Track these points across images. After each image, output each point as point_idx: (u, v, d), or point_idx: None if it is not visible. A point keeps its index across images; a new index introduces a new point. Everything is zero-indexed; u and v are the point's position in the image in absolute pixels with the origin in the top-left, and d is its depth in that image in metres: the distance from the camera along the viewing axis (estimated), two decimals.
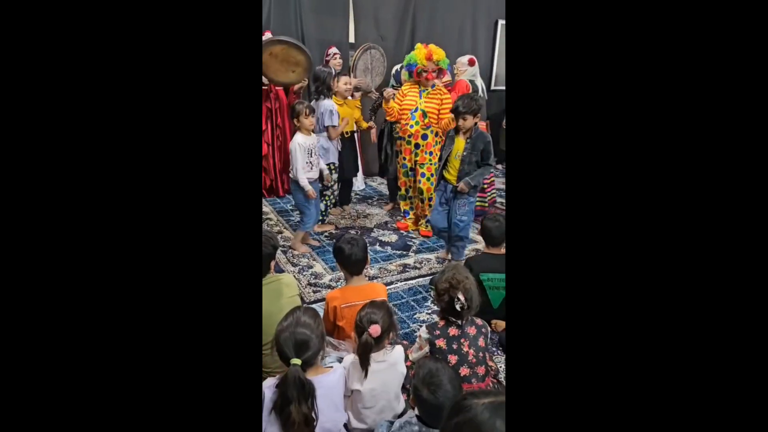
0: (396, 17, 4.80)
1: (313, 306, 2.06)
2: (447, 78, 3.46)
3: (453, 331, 1.70)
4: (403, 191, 3.44)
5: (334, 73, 3.33)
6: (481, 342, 1.75)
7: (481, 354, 1.73)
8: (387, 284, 2.63)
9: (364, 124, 3.67)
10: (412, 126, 3.16)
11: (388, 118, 3.33)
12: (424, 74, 3.06)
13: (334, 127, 3.19)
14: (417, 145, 3.22)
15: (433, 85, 3.14)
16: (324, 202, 3.38)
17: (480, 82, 3.69)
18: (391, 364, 1.52)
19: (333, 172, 3.33)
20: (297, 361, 1.23)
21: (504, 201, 4.38)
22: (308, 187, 2.85)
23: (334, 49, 3.94)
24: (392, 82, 3.74)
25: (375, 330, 1.44)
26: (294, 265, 2.92)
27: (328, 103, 3.17)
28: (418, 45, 3.12)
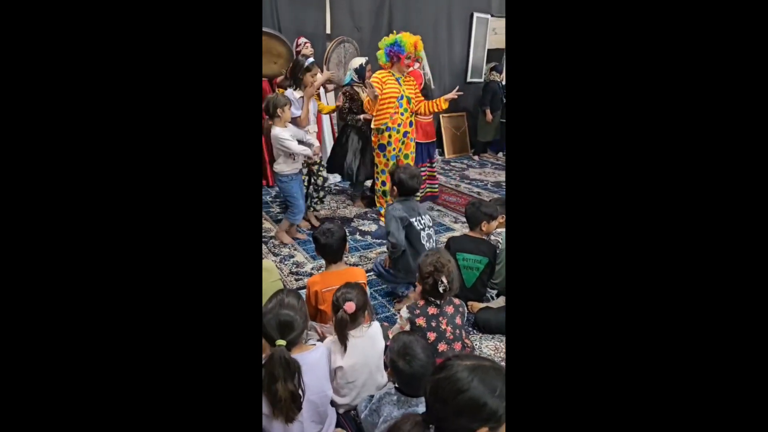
0: (372, 9, 4.85)
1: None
2: (416, 68, 3.51)
3: (432, 310, 1.79)
4: (387, 186, 3.24)
5: (306, 64, 3.08)
6: (458, 320, 1.84)
7: (458, 331, 1.83)
8: (367, 271, 2.70)
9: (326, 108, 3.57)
10: (402, 114, 3.11)
11: (370, 113, 3.17)
12: (408, 60, 3.05)
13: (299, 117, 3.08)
14: (405, 134, 3.19)
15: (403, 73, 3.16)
16: (308, 193, 3.36)
17: (428, 72, 3.77)
18: (370, 337, 1.59)
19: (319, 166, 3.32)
20: (282, 342, 1.28)
21: (480, 191, 4.51)
22: (306, 150, 2.86)
23: (303, 39, 3.91)
24: (352, 76, 3.57)
25: (350, 306, 1.51)
26: (275, 255, 2.96)
27: (291, 93, 3.07)
28: (404, 33, 3.07)
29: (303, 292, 2.07)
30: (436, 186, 4.03)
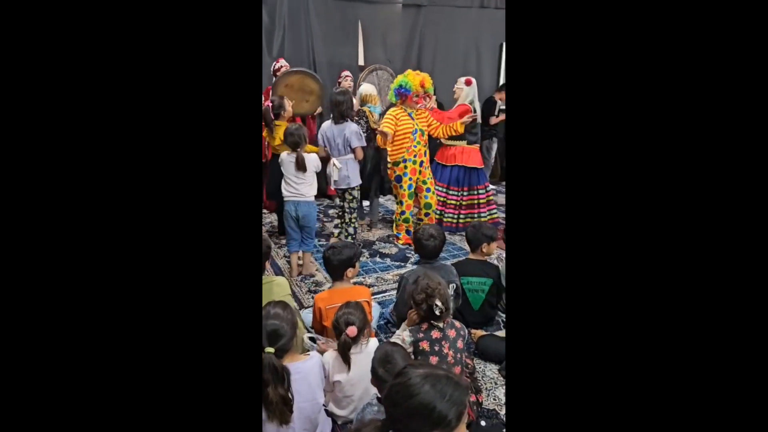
0: (403, 42, 5.06)
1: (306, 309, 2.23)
2: (432, 103, 3.72)
3: (435, 334, 1.80)
4: (407, 214, 3.53)
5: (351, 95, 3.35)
6: (459, 344, 1.86)
7: (458, 355, 1.85)
8: (382, 292, 2.79)
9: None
10: (416, 146, 3.41)
11: (383, 147, 3.44)
12: (416, 98, 3.35)
13: (363, 147, 3.24)
14: (421, 163, 3.48)
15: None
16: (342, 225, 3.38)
17: (477, 105, 3.88)
18: (368, 354, 1.67)
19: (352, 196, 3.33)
20: (270, 349, 1.40)
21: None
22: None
23: (346, 72, 4.25)
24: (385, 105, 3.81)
25: (352, 331, 1.60)
26: (298, 273, 3.11)
27: (355, 126, 3.21)
28: (410, 72, 3.37)
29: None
30: (495, 211, 4.09)
